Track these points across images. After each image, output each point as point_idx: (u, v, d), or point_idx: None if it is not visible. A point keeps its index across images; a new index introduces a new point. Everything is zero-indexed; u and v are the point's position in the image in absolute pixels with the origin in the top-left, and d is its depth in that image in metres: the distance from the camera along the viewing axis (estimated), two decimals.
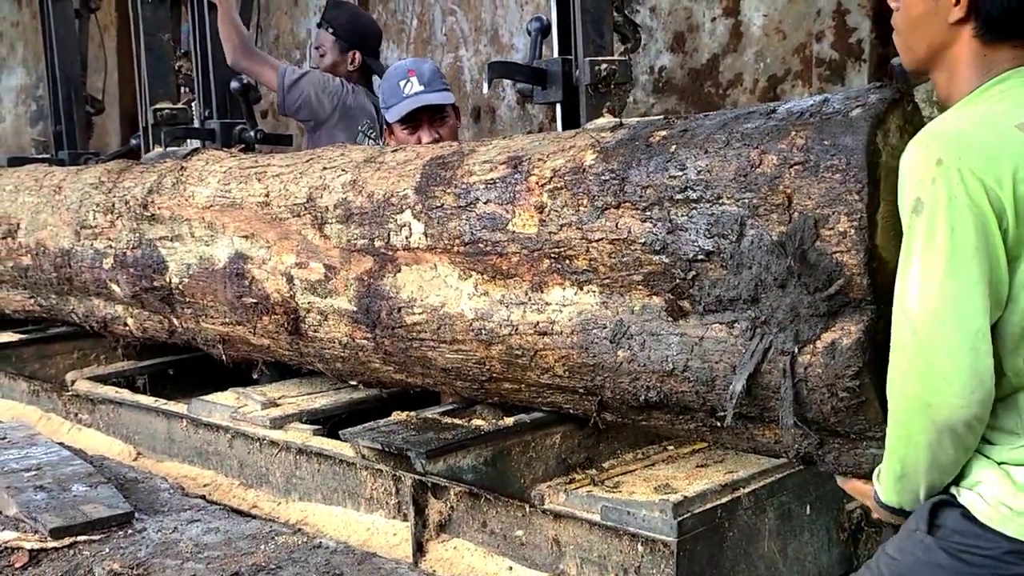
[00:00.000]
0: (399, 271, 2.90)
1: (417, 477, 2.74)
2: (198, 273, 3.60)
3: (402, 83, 3.59)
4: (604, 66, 3.30)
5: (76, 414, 4.23)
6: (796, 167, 2.01)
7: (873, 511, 2.00)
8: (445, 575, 2.68)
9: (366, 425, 2.89)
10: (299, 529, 2.99)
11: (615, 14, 3.41)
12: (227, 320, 3.57)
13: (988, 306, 1.65)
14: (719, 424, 2.22)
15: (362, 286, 3.00)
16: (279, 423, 3.34)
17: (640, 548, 2.38)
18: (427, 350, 2.86)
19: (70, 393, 4.26)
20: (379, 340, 2.99)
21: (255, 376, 3.84)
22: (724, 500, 2.46)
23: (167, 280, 3.74)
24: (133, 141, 5.43)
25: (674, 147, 2.26)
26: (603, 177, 2.37)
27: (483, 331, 2.66)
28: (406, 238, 2.86)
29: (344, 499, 3.08)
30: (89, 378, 4.33)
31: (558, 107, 3.42)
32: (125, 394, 4.07)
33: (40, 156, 6.57)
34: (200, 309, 3.66)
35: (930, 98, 4.97)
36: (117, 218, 4.03)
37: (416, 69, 3.63)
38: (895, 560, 1.83)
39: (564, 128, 3.43)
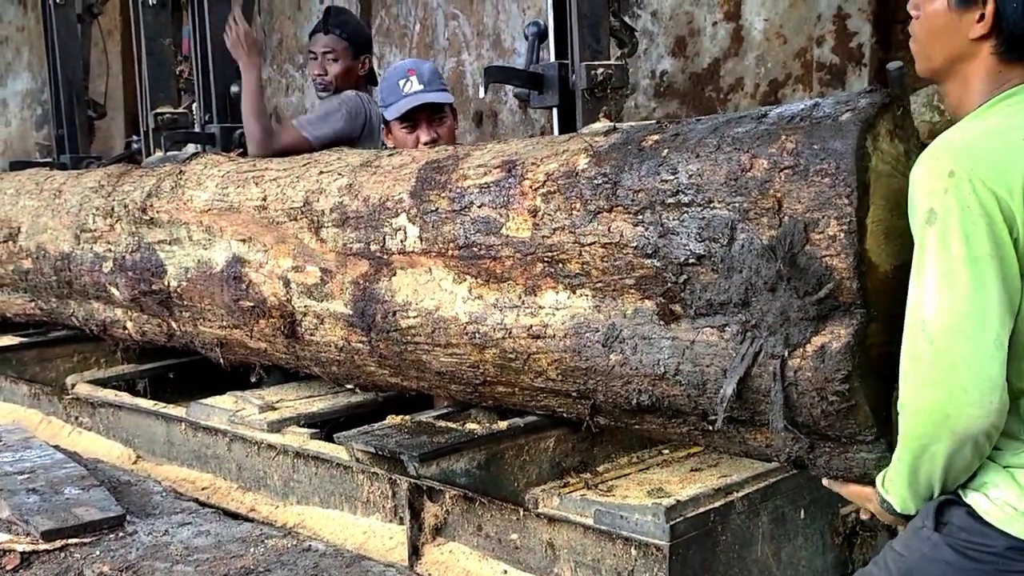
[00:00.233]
0: (394, 275, 2.90)
1: (413, 481, 2.75)
2: (196, 276, 3.61)
3: (402, 82, 3.60)
4: (600, 70, 3.30)
5: (77, 417, 4.25)
6: (786, 171, 2.02)
7: (875, 514, 2.02)
8: None
9: (360, 428, 2.90)
10: (289, 532, 3.00)
11: (612, 19, 3.40)
12: (225, 323, 3.57)
13: (1004, 314, 1.66)
14: (710, 428, 2.22)
15: (358, 290, 3.00)
16: (276, 427, 3.35)
17: (633, 552, 2.39)
18: (422, 354, 2.86)
19: (70, 396, 4.28)
20: (374, 344, 3.00)
21: (253, 379, 3.84)
22: (717, 504, 2.46)
23: (165, 283, 3.75)
24: (135, 146, 5.44)
25: (666, 151, 2.26)
26: (596, 181, 2.37)
27: (477, 335, 2.67)
28: (401, 242, 2.86)
29: (341, 502, 3.09)
30: (89, 381, 4.34)
31: (554, 111, 3.42)
32: (125, 397, 4.08)
33: (43, 160, 6.58)
34: (198, 312, 3.67)
35: (930, 102, 4.98)
36: (116, 222, 4.04)
37: (416, 69, 3.63)
38: (902, 556, 1.85)
39: (561, 133, 3.43)
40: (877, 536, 2.71)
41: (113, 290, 4.08)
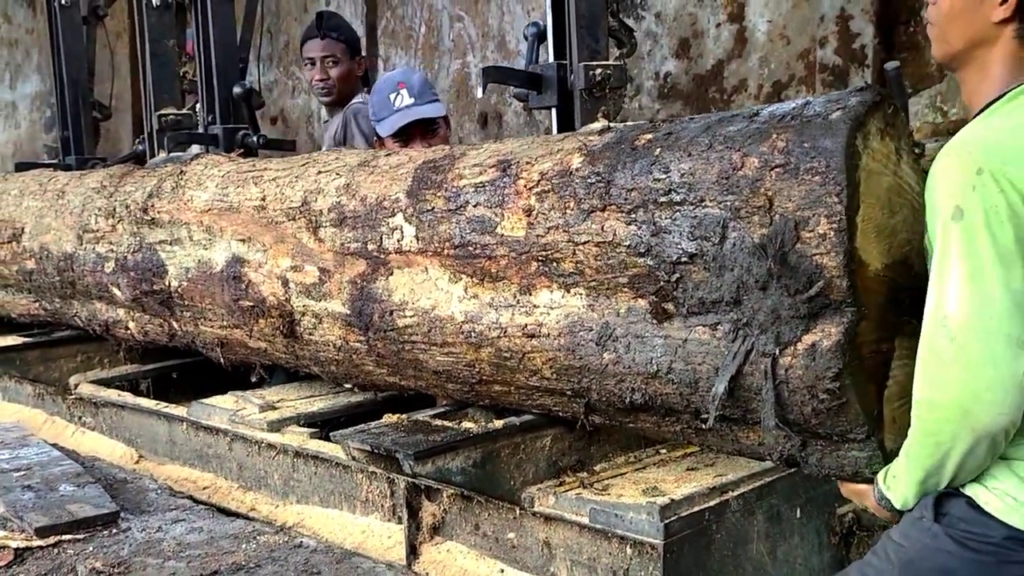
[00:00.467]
0: (391, 274, 2.91)
1: (410, 480, 2.75)
2: (196, 276, 3.62)
3: (392, 96, 3.62)
4: (599, 71, 3.30)
5: (80, 417, 4.27)
6: (777, 169, 2.02)
7: (871, 510, 2.02)
8: None
9: (356, 427, 2.90)
10: (282, 528, 3.01)
11: (610, 19, 3.41)
12: (225, 323, 3.59)
13: None
14: (703, 426, 2.22)
15: (355, 289, 3.01)
16: (276, 426, 3.36)
17: (628, 550, 2.39)
18: (418, 353, 2.87)
19: (74, 396, 4.29)
20: (372, 343, 3.01)
21: (253, 379, 3.86)
22: (712, 503, 2.46)
23: (166, 283, 3.77)
24: (139, 147, 5.46)
25: (658, 150, 2.26)
26: (589, 180, 2.37)
27: (473, 334, 2.67)
28: (398, 241, 2.87)
29: (340, 502, 3.10)
30: (93, 382, 4.36)
31: (553, 112, 3.42)
32: (127, 397, 4.10)
33: (49, 162, 6.61)
34: (199, 312, 3.69)
35: (934, 104, 4.97)
36: (118, 222, 4.06)
37: (406, 81, 3.65)
38: (902, 547, 1.86)
39: (559, 133, 3.43)
40: (874, 535, 2.71)
41: (115, 290, 4.10)
